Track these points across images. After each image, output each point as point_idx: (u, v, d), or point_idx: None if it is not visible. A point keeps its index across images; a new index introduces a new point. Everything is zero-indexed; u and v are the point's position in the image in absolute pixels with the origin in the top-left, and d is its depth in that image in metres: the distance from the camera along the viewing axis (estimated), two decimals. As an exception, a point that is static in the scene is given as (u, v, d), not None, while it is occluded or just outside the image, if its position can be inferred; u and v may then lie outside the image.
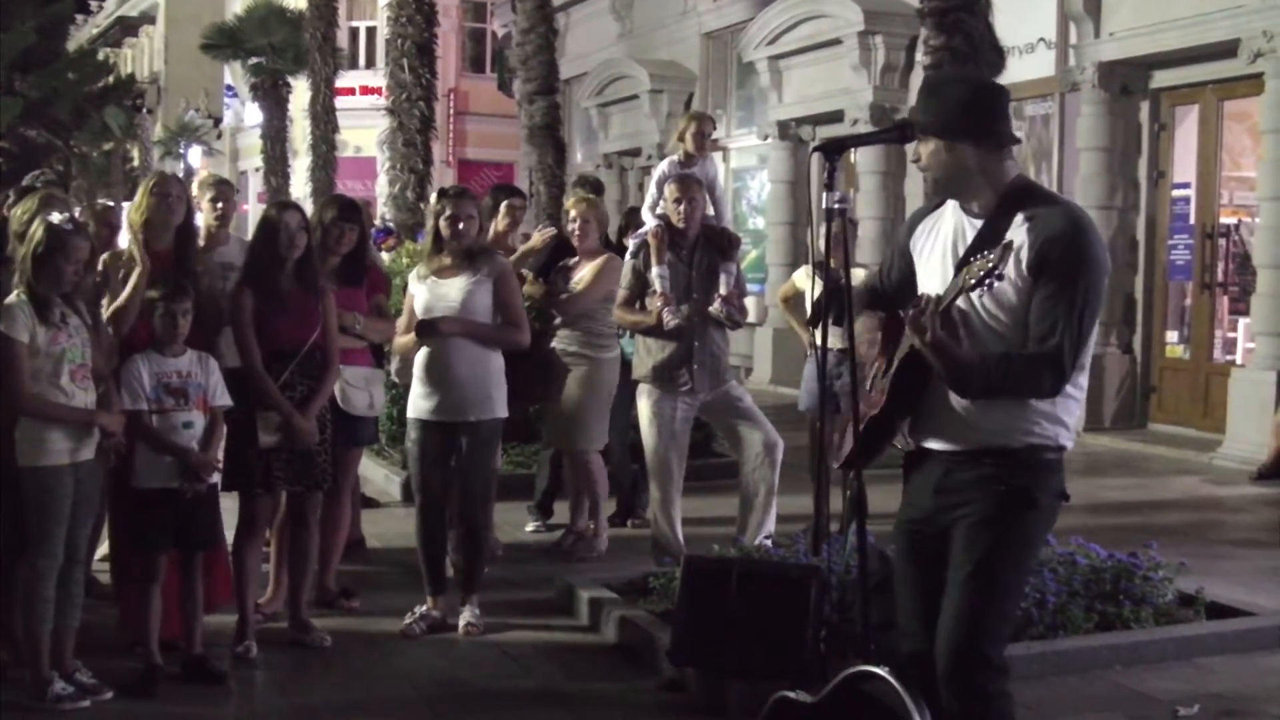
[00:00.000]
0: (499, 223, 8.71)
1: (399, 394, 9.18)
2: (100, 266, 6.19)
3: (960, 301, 3.65)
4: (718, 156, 18.93)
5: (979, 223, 3.79)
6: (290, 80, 30.25)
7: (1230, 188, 13.66)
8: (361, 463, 8.18)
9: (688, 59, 21.79)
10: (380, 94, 20.44)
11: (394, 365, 7.39)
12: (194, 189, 7.67)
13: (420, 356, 6.70)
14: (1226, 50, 12.45)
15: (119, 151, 44.26)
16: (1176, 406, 13.65)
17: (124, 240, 6.81)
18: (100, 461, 5.58)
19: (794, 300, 9.05)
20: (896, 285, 4.08)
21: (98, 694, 5.57)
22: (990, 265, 3.49)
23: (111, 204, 9.75)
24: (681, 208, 7.47)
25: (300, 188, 28.21)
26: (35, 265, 5.41)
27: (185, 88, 45.19)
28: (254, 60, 30.76)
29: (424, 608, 6.78)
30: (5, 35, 35.07)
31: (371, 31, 35.27)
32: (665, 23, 22.41)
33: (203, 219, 7.42)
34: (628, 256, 7.90)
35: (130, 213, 6.47)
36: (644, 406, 7.58)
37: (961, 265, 3.69)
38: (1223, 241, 13.48)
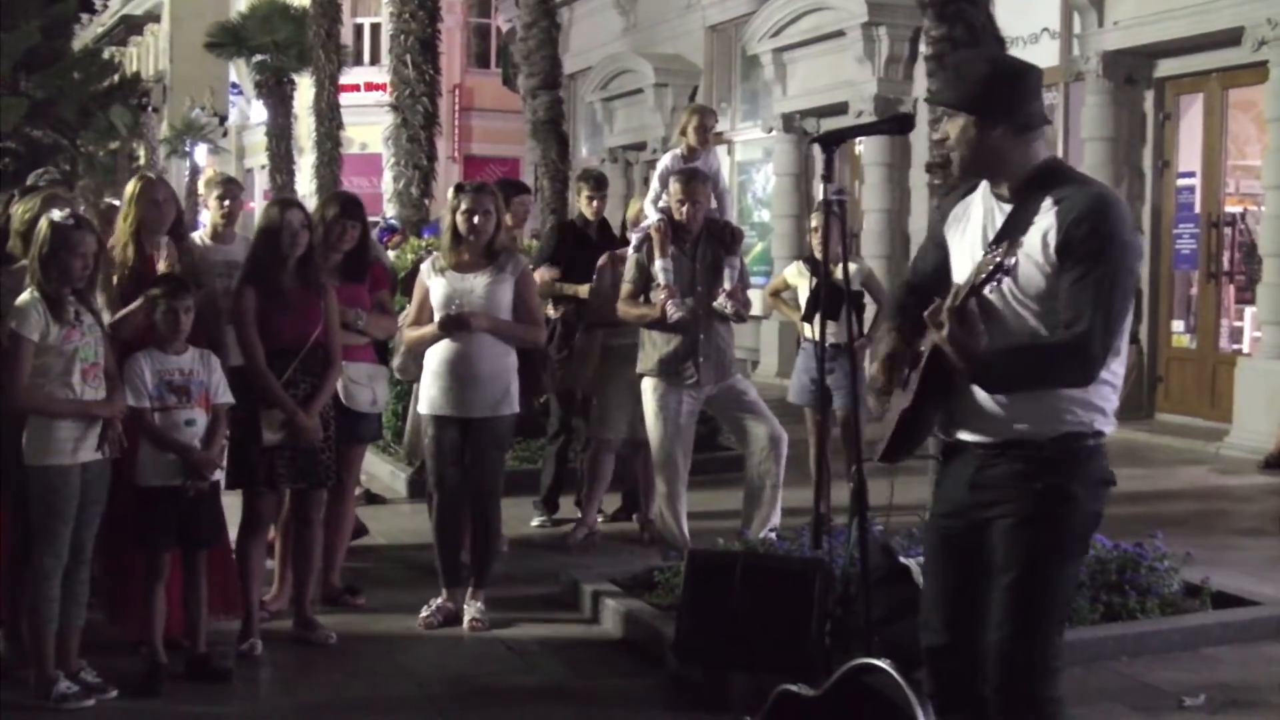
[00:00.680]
0: (506, 219, 8.71)
1: (403, 390, 9.21)
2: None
3: (989, 293, 3.54)
4: (721, 150, 18.94)
5: (1009, 207, 3.69)
6: (295, 77, 30.25)
7: (1236, 176, 13.64)
8: (367, 459, 8.21)
9: (692, 52, 21.78)
10: (385, 90, 20.42)
11: (396, 362, 7.38)
12: (201, 187, 7.68)
13: (438, 351, 6.69)
14: (1231, 38, 12.43)
15: (125, 150, 44.30)
16: (1183, 396, 13.63)
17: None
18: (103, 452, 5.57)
19: (785, 294, 9.01)
20: (933, 275, 3.94)
21: (102, 693, 5.57)
22: (997, 260, 3.41)
23: (116, 203, 9.76)
24: (685, 203, 7.47)
25: (305, 185, 28.23)
26: (43, 264, 5.43)
27: (190, 86, 45.26)
28: (258, 58, 30.74)
29: (440, 600, 6.79)
30: (10, 35, 35.05)
31: (376, 28, 35.21)
32: (669, 16, 22.40)
33: (209, 217, 7.43)
34: (630, 250, 7.90)
35: (119, 222, 6.43)
36: (649, 400, 7.59)
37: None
38: (1228, 230, 13.46)
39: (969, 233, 3.82)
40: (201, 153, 42.60)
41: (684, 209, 7.47)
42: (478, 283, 6.67)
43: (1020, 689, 3.65)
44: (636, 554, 7.91)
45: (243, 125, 42.86)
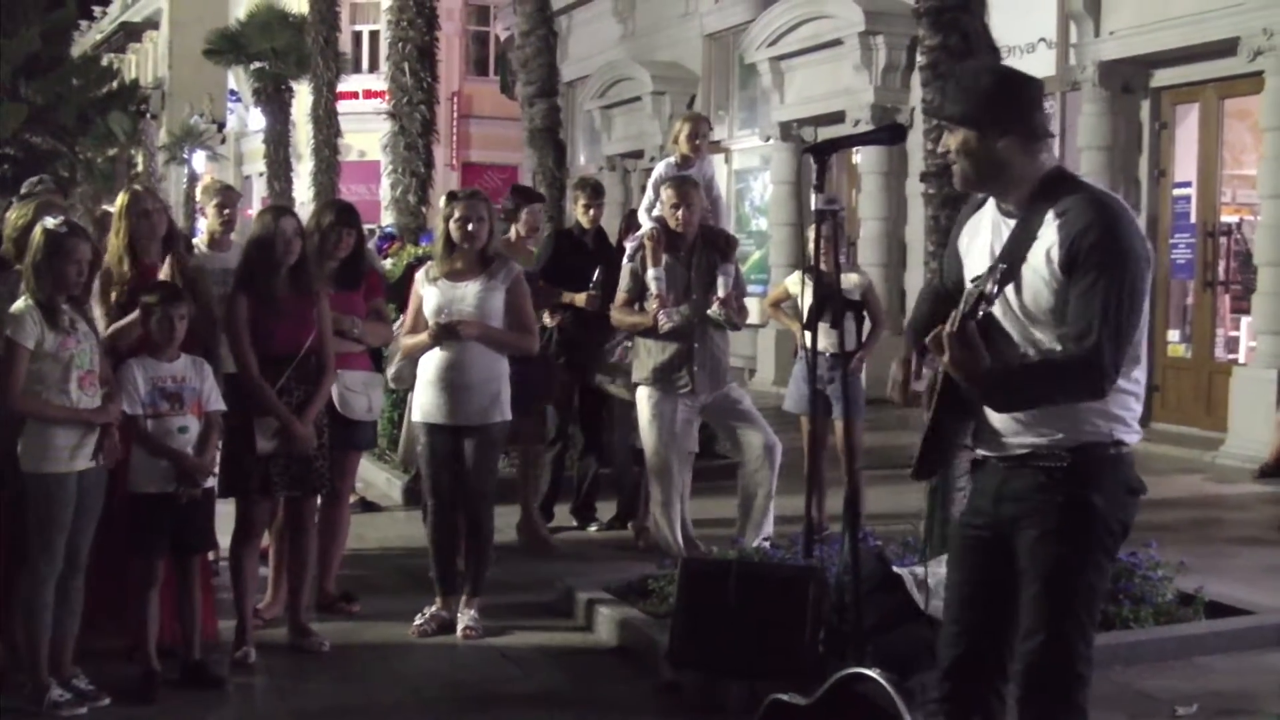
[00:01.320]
0: (519, 228, 8.73)
1: (399, 397, 9.22)
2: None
3: (997, 308, 3.52)
4: (718, 158, 18.96)
5: (1014, 221, 3.65)
6: (293, 84, 30.26)
7: (1232, 186, 13.65)
8: (363, 466, 8.20)
9: (690, 60, 21.79)
10: (383, 98, 20.43)
11: (392, 370, 7.39)
12: (199, 195, 7.69)
13: (430, 359, 6.70)
14: (1227, 48, 12.45)
15: (124, 157, 44.28)
16: (1179, 405, 13.62)
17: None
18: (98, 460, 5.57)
19: (785, 305, 9.02)
20: (954, 288, 3.88)
21: (96, 700, 5.57)
22: (982, 290, 3.42)
23: (113, 210, 9.76)
24: (679, 210, 7.49)
25: (303, 192, 28.21)
26: (37, 271, 5.43)
27: (189, 93, 45.31)
28: (257, 65, 30.76)
29: (434, 608, 6.79)
30: (9, 41, 35.12)
31: (375, 35, 35.22)
32: (667, 24, 22.42)
33: (207, 224, 7.43)
34: (625, 259, 7.91)
35: (111, 237, 6.43)
36: (644, 408, 7.60)
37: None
38: (1224, 240, 13.46)
39: (977, 246, 3.80)
40: (200, 160, 42.59)
41: (678, 213, 7.49)
42: (469, 291, 6.68)
43: (1046, 699, 3.64)
44: (631, 561, 7.91)
45: (241, 132, 42.90)
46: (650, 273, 7.52)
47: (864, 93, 16.84)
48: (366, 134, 29.79)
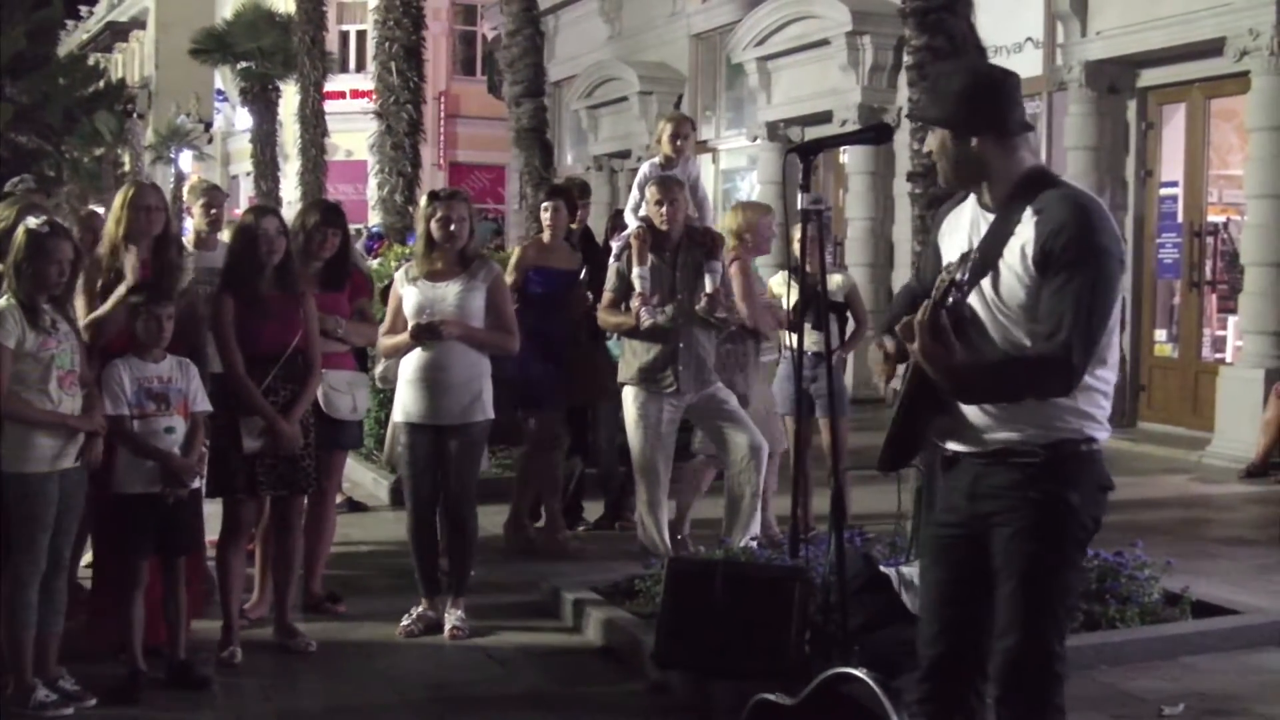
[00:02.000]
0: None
1: (386, 398, 9.18)
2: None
3: (974, 301, 3.55)
4: (705, 158, 18.96)
5: (992, 216, 3.67)
6: (280, 84, 30.24)
7: (1218, 186, 13.68)
8: (350, 466, 8.18)
9: (677, 60, 21.80)
10: (370, 97, 20.41)
11: (378, 370, 7.37)
12: (185, 194, 7.69)
13: (412, 360, 6.69)
14: (1213, 49, 12.47)
15: (110, 156, 44.21)
16: (1166, 405, 13.66)
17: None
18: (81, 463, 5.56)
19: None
20: (933, 281, 3.86)
21: (81, 701, 5.55)
22: (953, 277, 3.44)
23: (99, 210, 9.75)
24: (663, 209, 7.50)
25: (290, 191, 28.21)
26: (19, 272, 5.42)
27: (176, 92, 45.18)
28: (243, 64, 30.74)
29: (420, 608, 6.78)
30: (-5, 40, 35.01)
31: (362, 35, 35.17)
32: (654, 24, 22.42)
33: (193, 224, 7.41)
34: (611, 259, 7.90)
35: (109, 225, 6.43)
36: (629, 409, 7.59)
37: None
38: (1211, 240, 13.50)
39: (956, 241, 3.80)
40: (186, 159, 42.49)
41: (662, 210, 7.49)
42: (450, 291, 6.67)
43: (1023, 699, 3.65)
44: (618, 562, 7.90)
45: (228, 132, 42.83)
46: (635, 271, 7.52)
47: (851, 93, 16.86)
48: (353, 134, 29.80)
